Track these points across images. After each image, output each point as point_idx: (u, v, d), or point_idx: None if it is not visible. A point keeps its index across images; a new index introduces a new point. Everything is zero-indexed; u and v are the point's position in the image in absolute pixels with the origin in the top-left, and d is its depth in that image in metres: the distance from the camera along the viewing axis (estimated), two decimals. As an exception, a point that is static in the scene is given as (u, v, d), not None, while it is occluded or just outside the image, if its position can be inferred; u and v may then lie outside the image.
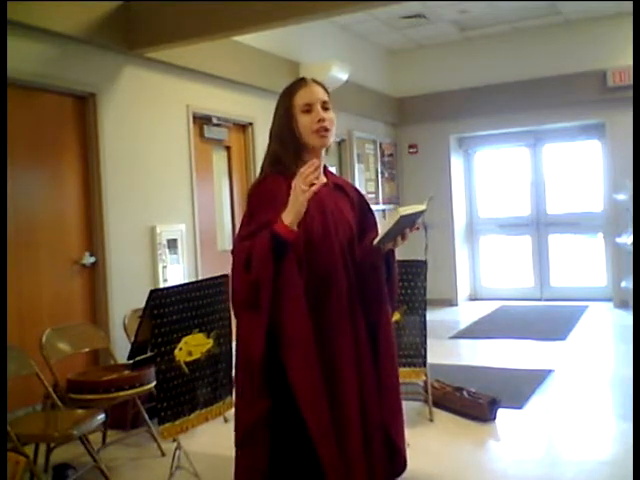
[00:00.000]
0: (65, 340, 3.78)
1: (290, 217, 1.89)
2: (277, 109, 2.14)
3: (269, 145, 2.14)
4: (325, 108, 2.08)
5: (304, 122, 2.05)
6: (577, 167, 8.60)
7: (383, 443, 2.02)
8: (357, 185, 2.63)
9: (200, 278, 4.87)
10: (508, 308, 8.35)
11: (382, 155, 8.62)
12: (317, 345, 1.93)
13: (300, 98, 2.07)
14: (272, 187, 2.03)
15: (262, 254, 1.89)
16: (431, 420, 4.10)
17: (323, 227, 2.01)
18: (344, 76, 6.66)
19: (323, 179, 2.11)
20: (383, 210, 8.32)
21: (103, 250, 4.63)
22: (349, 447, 1.93)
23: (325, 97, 2.10)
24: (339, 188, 2.16)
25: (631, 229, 6.66)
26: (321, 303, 1.97)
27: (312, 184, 1.85)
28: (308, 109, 2.06)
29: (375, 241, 1.99)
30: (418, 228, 2.08)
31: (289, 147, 2.07)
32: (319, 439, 1.88)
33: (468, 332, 7.07)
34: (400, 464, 2.10)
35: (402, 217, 1.91)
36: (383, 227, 1.96)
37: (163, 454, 3.70)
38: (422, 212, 1.99)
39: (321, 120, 2.05)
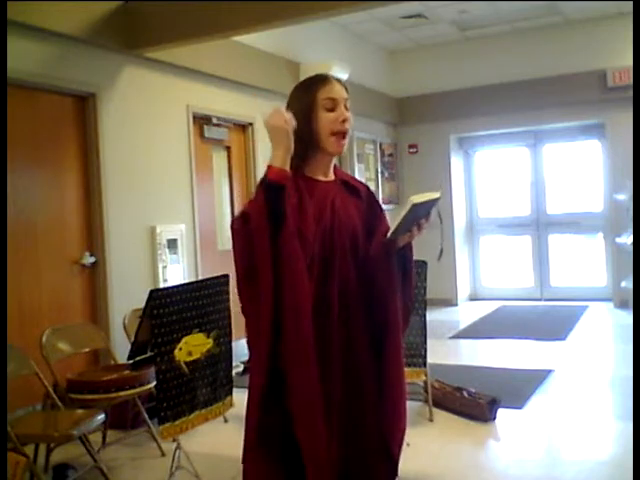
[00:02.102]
0: (65, 340, 3.78)
1: (279, 153, 1.79)
2: (293, 105, 1.98)
3: None
4: (346, 108, 1.97)
5: (326, 119, 1.93)
6: (577, 167, 8.60)
7: (381, 454, 1.97)
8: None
9: (200, 278, 4.87)
10: (508, 308, 8.35)
11: (382, 155, 8.62)
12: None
13: (323, 93, 1.94)
14: None
15: (257, 205, 1.80)
16: (431, 420, 4.10)
17: (327, 225, 1.94)
18: (344, 76, 6.66)
19: (332, 175, 2.08)
20: (383, 210, 8.31)
21: (103, 250, 4.63)
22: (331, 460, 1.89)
23: (347, 96, 1.98)
24: (347, 185, 2.08)
25: (631, 229, 6.66)
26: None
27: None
28: (332, 107, 1.94)
29: (388, 233, 1.89)
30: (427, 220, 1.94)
31: (296, 148, 1.91)
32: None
33: (468, 332, 7.07)
34: (391, 471, 2.06)
35: (415, 205, 1.79)
36: (396, 217, 1.84)
37: (163, 454, 3.70)
38: (436, 200, 1.87)
39: (345, 120, 1.94)
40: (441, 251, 2.27)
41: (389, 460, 2.03)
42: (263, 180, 1.82)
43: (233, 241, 1.87)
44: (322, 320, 1.92)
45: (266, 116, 1.78)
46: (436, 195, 1.87)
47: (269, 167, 1.81)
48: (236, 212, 5.96)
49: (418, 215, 1.88)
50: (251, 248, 1.81)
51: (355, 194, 2.09)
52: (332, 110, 1.95)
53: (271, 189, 1.79)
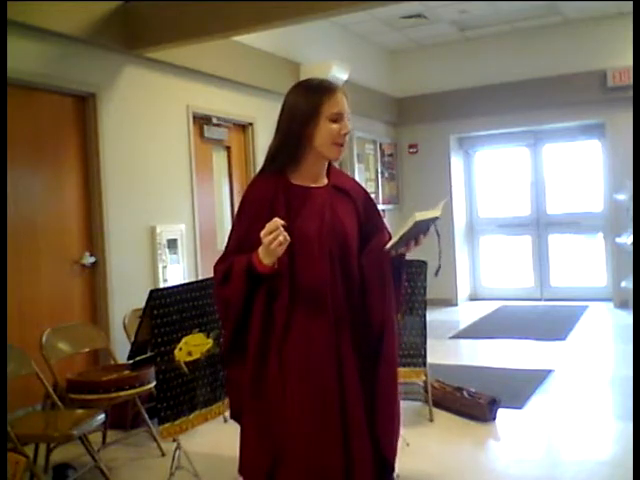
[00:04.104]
0: (65, 340, 3.78)
1: (267, 260, 1.88)
2: (291, 106, 2.01)
3: (273, 139, 2.06)
4: (348, 119, 2.03)
5: (329, 130, 1.97)
6: (577, 167, 8.60)
7: (369, 446, 1.96)
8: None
9: (200, 278, 4.87)
10: (508, 308, 8.35)
11: (382, 155, 8.61)
12: (298, 352, 1.94)
13: (331, 106, 1.97)
14: (259, 193, 2.02)
15: (236, 283, 1.95)
16: (431, 420, 4.10)
17: (312, 232, 1.96)
18: (344, 76, 6.66)
19: (324, 180, 2.08)
20: (383, 210, 8.31)
21: (103, 250, 4.63)
22: (327, 454, 1.91)
23: (349, 110, 2.03)
24: (340, 190, 2.08)
25: (631, 229, 6.66)
26: (306, 312, 1.95)
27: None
28: (336, 119, 1.98)
29: (387, 246, 1.92)
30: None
31: (289, 147, 1.99)
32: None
33: (468, 332, 7.07)
34: (386, 472, 2.06)
35: (418, 222, 1.85)
36: (397, 232, 1.90)
37: (163, 454, 3.70)
38: (436, 218, 1.93)
39: (346, 134, 2.00)
40: (438, 268, 2.26)
41: (383, 462, 2.03)
42: (248, 266, 1.92)
43: (214, 278, 2.05)
44: (312, 327, 1.95)
45: (265, 232, 1.83)
46: (437, 213, 1.92)
47: (259, 262, 1.89)
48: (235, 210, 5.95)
49: (418, 231, 1.92)
50: (226, 303, 2.02)
51: (349, 199, 2.09)
52: (335, 122, 1.98)
53: (256, 274, 1.92)
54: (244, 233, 1.99)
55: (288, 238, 1.82)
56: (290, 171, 2.02)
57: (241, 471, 2.05)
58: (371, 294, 2.03)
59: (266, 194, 1.99)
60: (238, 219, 2.06)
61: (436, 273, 2.29)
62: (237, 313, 1.98)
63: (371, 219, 2.12)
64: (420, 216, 1.85)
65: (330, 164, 2.11)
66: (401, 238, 1.89)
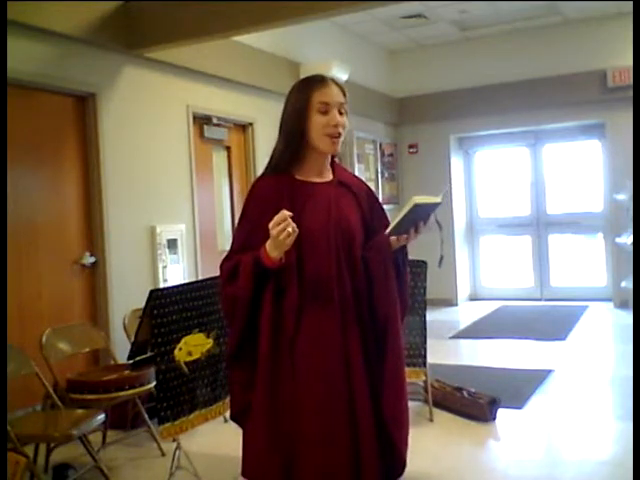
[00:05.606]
0: (65, 340, 3.78)
1: (275, 253, 1.88)
2: (288, 104, 2.03)
3: (277, 141, 2.07)
4: (341, 112, 2.00)
5: (318, 122, 1.96)
6: (577, 167, 8.60)
7: (376, 445, 1.97)
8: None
9: (200, 278, 4.87)
10: (508, 308, 8.35)
11: (382, 155, 8.61)
12: (305, 347, 1.95)
13: (318, 96, 1.96)
14: (263, 191, 2.02)
15: (244, 279, 1.94)
16: (431, 420, 4.10)
17: (319, 227, 1.97)
18: (344, 76, 6.66)
19: (330, 175, 2.09)
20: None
21: (103, 250, 4.63)
22: (336, 452, 1.92)
23: (343, 100, 2.01)
24: (344, 185, 2.09)
25: (631, 229, 6.66)
26: (314, 308, 1.95)
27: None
28: (325, 110, 1.97)
29: (387, 230, 1.92)
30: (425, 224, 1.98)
31: (290, 146, 2.00)
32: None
33: (468, 332, 7.07)
34: (398, 467, 2.07)
35: (417, 205, 1.83)
36: (396, 216, 1.88)
37: (163, 454, 3.70)
38: (437, 205, 1.90)
39: (336, 125, 1.97)
40: (441, 258, 2.24)
41: (397, 459, 2.04)
42: (256, 260, 1.91)
43: (220, 276, 2.06)
44: (321, 324, 1.96)
45: (273, 223, 1.83)
46: (437, 200, 1.90)
47: (267, 256, 1.89)
48: (236, 213, 5.95)
49: (417, 217, 1.90)
50: (234, 301, 2.00)
51: (352, 194, 2.09)
52: (325, 113, 1.98)
53: (264, 269, 1.92)
54: (250, 232, 1.99)
55: (296, 229, 1.82)
56: (294, 169, 2.03)
57: (245, 473, 2.03)
58: (375, 287, 2.03)
59: (270, 192, 2.00)
60: (243, 218, 2.06)
61: (439, 264, 2.26)
62: (245, 311, 1.96)
63: (376, 217, 2.12)
64: (419, 200, 1.84)
65: (333, 159, 2.11)
66: (400, 222, 1.88)
